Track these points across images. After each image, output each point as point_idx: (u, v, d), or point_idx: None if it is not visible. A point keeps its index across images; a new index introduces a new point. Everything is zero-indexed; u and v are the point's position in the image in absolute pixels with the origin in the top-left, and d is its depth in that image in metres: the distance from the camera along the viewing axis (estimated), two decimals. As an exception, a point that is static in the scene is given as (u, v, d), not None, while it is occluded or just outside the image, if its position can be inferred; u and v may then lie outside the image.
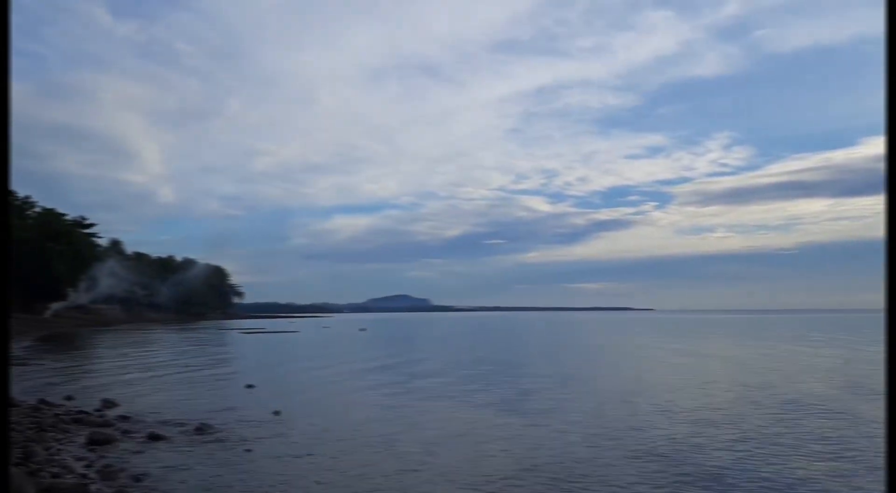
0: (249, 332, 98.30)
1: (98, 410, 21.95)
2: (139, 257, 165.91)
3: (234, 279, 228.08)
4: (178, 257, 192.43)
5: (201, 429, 18.63)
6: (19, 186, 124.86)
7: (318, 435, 18.10)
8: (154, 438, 17.37)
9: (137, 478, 13.26)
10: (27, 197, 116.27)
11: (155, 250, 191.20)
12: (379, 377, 33.57)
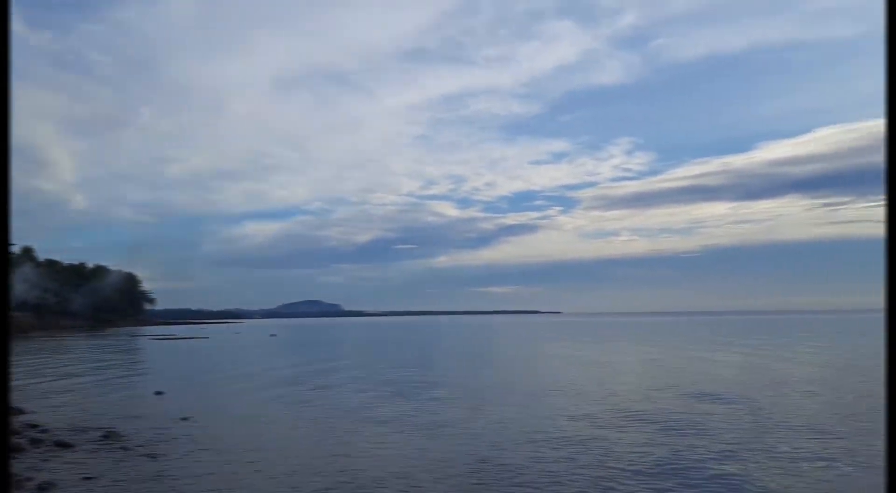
0: (160, 338, 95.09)
1: (6, 418, 21.09)
2: (51, 265, 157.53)
3: (146, 286, 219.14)
4: (90, 264, 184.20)
5: (109, 436, 18.19)
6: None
7: (225, 440, 17.92)
8: (62, 445, 16.87)
9: (43, 487, 12.93)
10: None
11: (67, 258, 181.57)
12: (286, 382, 33.24)
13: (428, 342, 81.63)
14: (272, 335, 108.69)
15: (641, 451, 15.68)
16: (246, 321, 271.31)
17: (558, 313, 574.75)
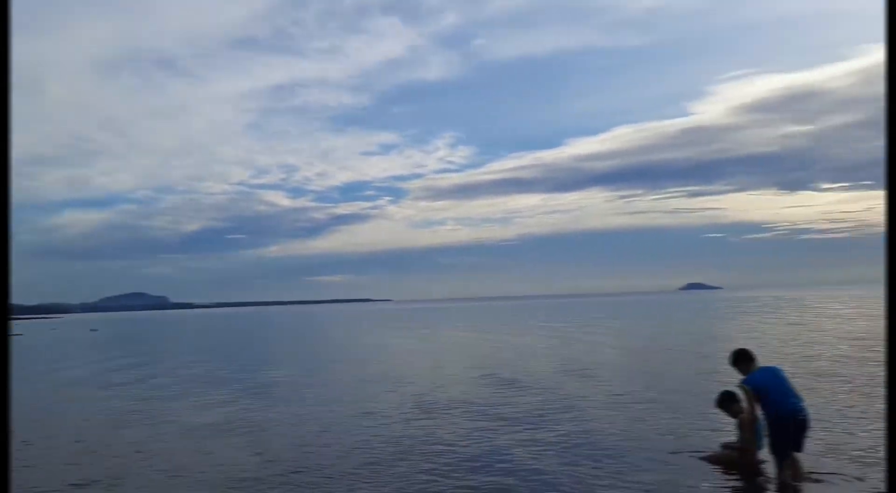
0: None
1: None
2: None
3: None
4: None
5: None
6: None
7: (36, 443, 16.46)
8: None
9: None
10: None
11: None
12: (99, 380, 30.98)
13: (253, 334, 79.45)
14: (93, 331, 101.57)
15: (454, 433, 16.23)
16: (65, 316, 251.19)
17: (389, 300, 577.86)
